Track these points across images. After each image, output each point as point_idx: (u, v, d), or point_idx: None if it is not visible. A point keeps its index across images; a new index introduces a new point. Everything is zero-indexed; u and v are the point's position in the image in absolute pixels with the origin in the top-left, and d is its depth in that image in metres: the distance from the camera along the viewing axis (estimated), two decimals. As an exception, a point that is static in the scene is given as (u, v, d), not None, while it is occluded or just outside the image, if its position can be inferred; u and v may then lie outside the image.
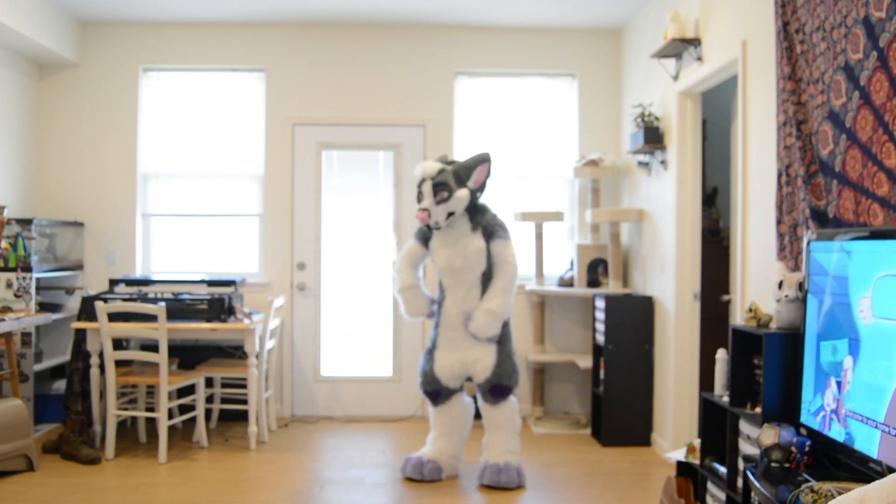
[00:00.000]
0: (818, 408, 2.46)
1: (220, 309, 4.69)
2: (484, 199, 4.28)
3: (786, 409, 2.68)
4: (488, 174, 4.14)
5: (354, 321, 5.72)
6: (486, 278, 4.11)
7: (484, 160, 4.12)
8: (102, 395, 4.60)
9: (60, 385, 5.25)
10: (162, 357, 4.32)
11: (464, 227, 4.12)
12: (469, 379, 4.22)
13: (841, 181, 2.72)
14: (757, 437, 2.54)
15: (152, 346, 4.86)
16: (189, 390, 5.02)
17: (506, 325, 4.20)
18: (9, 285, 4.71)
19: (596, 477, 4.26)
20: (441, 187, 4.03)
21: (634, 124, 4.88)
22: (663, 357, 4.73)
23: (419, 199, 4.11)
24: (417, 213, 4.09)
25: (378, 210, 5.69)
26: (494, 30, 5.65)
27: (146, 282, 4.94)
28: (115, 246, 5.56)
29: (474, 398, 4.40)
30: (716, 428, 3.17)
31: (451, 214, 4.05)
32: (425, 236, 4.25)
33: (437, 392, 4.19)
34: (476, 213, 4.16)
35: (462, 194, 4.04)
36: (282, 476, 4.21)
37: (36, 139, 5.52)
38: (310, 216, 5.62)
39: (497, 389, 4.09)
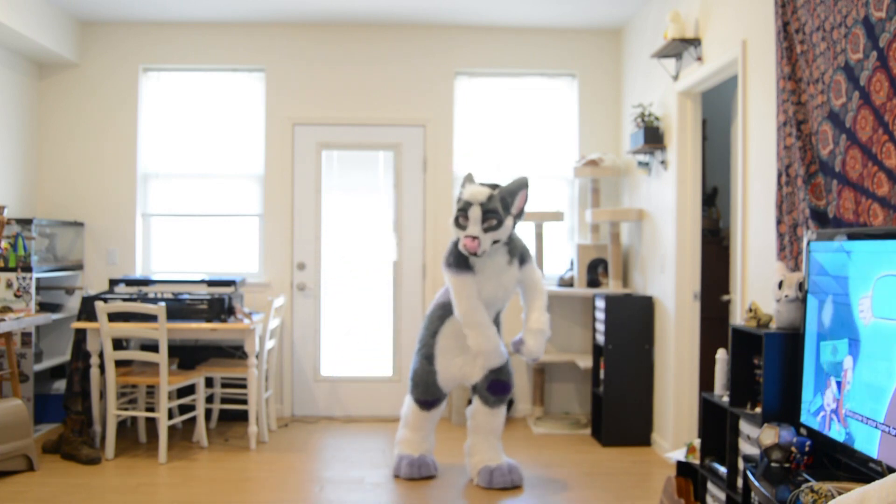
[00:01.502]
0: (818, 408, 2.46)
1: (220, 309, 4.69)
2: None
3: (786, 409, 2.68)
4: (526, 200, 4.04)
5: (354, 321, 5.72)
6: None
7: (524, 185, 4.02)
8: (102, 395, 4.59)
9: (60, 385, 5.25)
10: (162, 357, 4.32)
11: (503, 259, 4.02)
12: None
13: (841, 181, 2.72)
14: (757, 437, 2.54)
15: (152, 346, 4.86)
16: (189, 390, 5.02)
17: (500, 327, 4.24)
18: (9, 285, 4.71)
19: (596, 477, 4.26)
20: (492, 215, 3.88)
21: (634, 124, 4.88)
22: (663, 357, 4.73)
23: (460, 223, 3.93)
24: (465, 241, 3.86)
25: (378, 210, 5.69)
26: (494, 30, 5.65)
27: (146, 282, 4.94)
28: (115, 246, 5.56)
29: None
30: (716, 428, 3.17)
31: (495, 242, 3.94)
32: (467, 263, 4.01)
33: (436, 400, 4.16)
34: (511, 241, 4.07)
35: (509, 223, 3.94)
36: (282, 476, 4.21)
37: (36, 139, 5.52)
38: (310, 216, 5.62)
39: (497, 385, 4.07)
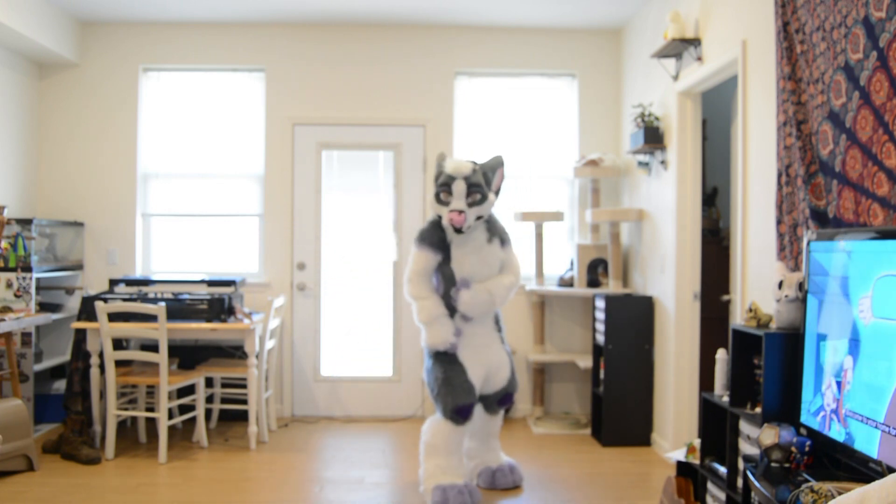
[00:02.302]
0: (818, 408, 2.46)
1: (220, 309, 4.69)
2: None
3: (786, 409, 2.68)
4: (503, 178, 3.97)
5: (354, 321, 5.72)
6: None
7: (501, 163, 3.93)
8: (102, 395, 4.60)
9: (60, 385, 5.25)
10: (162, 357, 4.32)
11: (482, 236, 3.89)
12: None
13: (841, 181, 2.72)
14: (757, 437, 2.54)
15: (152, 346, 4.86)
16: (189, 390, 5.02)
17: (501, 328, 4.12)
18: (9, 285, 4.71)
19: (596, 477, 4.26)
20: (476, 189, 3.76)
21: (634, 124, 4.88)
22: (663, 357, 4.73)
23: (442, 198, 3.79)
24: (450, 215, 3.73)
25: (378, 210, 5.69)
26: (494, 30, 5.65)
27: (146, 282, 4.94)
28: (115, 246, 5.56)
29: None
30: (716, 428, 3.17)
31: (478, 218, 3.82)
32: (440, 242, 3.88)
33: (471, 406, 3.78)
34: (490, 221, 3.95)
35: (492, 198, 3.84)
36: (282, 476, 4.21)
37: (36, 139, 5.52)
38: (310, 216, 5.62)
39: (507, 399, 4.06)
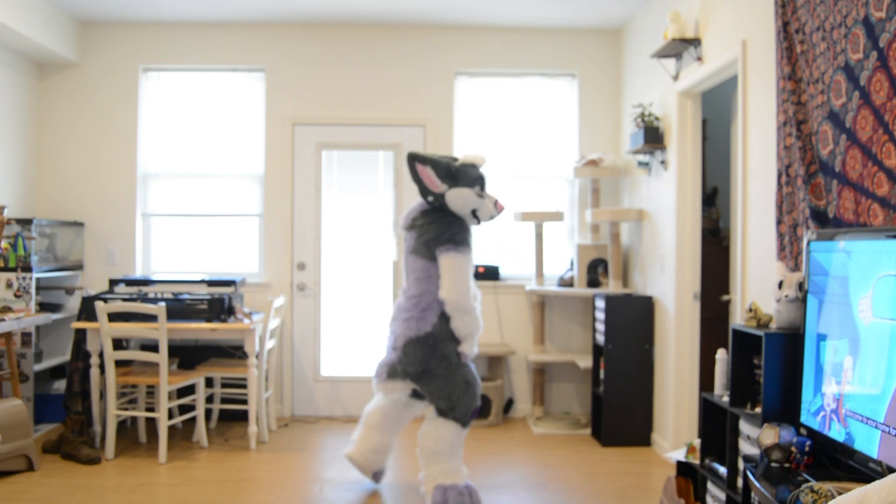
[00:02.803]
0: (818, 408, 2.46)
1: (220, 309, 4.69)
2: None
3: (786, 409, 2.68)
4: None
5: (354, 321, 5.72)
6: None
7: None
8: (102, 395, 4.60)
9: (60, 385, 5.25)
10: (162, 357, 4.32)
11: None
12: None
13: (841, 181, 2.72)
14: (757, 437, 2.54)
15: (152, 346, 4.86)
16: (189, 390, 5.02)
17: None
18: (9, 285, 4.71)
19: (596, 477, 4.26)
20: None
21: (634, 124, 4.88)
22: (663, 357, 4.73)
23: (480, 191, 3.69)
24: (500, 205, 3.72)
25: (378, 210, 5.69)
26: (494, 30, 5.65)
27: (146, 282, 4.94)
28: (115, 246, 5.56)
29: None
30: (716, 428, 3.17)
31: None
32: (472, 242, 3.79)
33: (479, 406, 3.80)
34: None
35: None
36: (282, 476, 4.21)
37: (36, 139, 5.52)
38: (310, 216, 5.62)
39: None
